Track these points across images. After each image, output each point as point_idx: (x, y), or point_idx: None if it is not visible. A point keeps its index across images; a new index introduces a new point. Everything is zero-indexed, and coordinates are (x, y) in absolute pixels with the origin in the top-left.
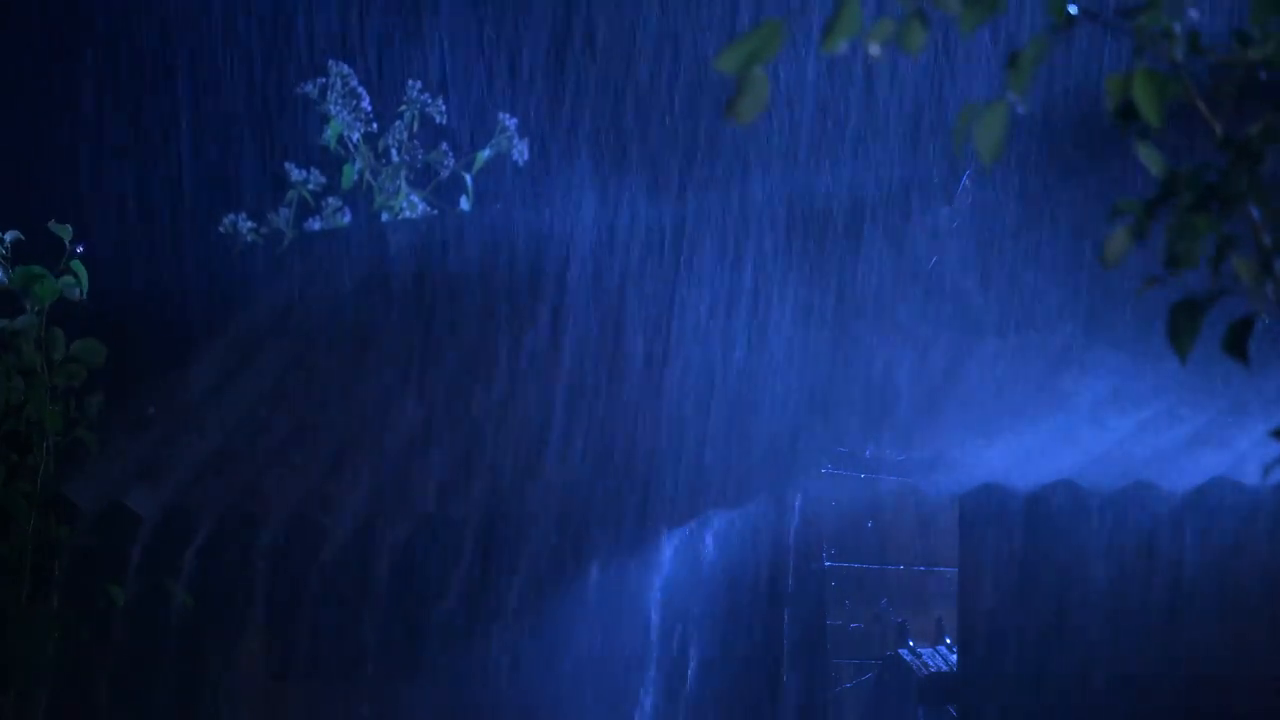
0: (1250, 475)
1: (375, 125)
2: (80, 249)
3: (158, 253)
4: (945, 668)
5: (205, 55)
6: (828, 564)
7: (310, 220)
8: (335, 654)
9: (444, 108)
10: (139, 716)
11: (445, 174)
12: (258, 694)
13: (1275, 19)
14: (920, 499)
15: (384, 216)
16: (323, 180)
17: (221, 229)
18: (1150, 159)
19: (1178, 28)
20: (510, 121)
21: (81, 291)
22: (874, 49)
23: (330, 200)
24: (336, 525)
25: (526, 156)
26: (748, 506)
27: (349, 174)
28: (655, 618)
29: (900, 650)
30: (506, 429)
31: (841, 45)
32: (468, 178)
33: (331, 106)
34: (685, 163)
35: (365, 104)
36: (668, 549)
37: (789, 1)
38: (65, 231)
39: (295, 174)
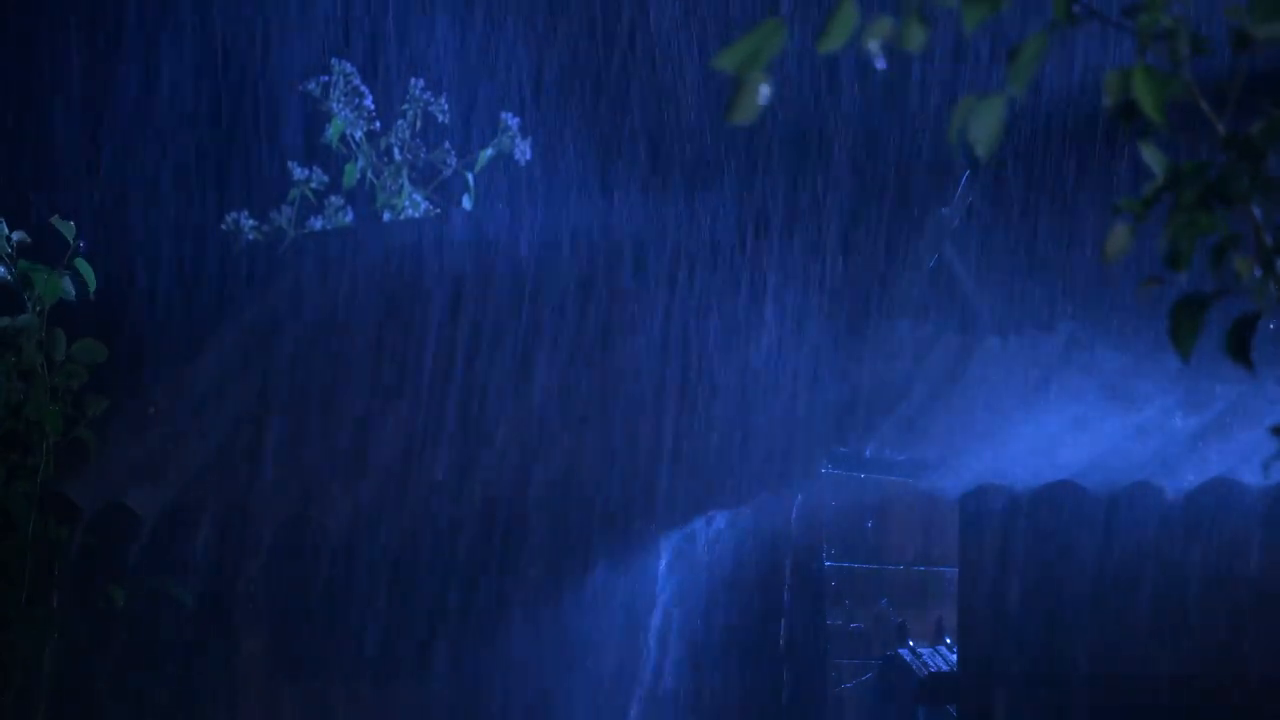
0: (1250, 475)
1: (378, 124)
2: (83, 245)
3: (159, 251)
4: (945, 668)
5: (207, 53)
6: (828, 564)
7: (313, 219)
8: (335, 654)
9: (446, 106)
10: (138, 716)
11: (448, 173)
12: (258, 694)
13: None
14: (920, 499)
15: (386, 215)
16: (325, 179)
17: (224, 227)
18: (1153, 157)
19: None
20: (513, 120)
21: (89, 289)
22: (873, 47)
23: (333, 199)
24: (336, 525)
25: (529, 155)
26: (747, 506)
27: (351, 173)
28: (654, 618)
29: (900, 650)
30: (506, 429)
31: (838, 45)
32: (470, 177)
33: (334, 105)
34: (686, 162)
35: (368, 102)
36: (667, 550)
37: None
38: (69, 229)
39: (298, 172)
